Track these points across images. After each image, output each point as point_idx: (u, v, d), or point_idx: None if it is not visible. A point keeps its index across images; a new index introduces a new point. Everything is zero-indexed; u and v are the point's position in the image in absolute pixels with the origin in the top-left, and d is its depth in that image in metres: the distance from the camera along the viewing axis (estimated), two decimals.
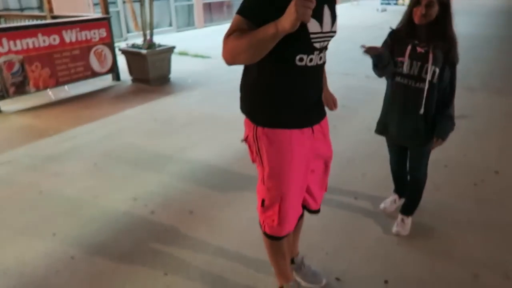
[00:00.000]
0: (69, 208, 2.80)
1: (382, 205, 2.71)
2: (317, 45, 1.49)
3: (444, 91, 2.14)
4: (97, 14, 6.77)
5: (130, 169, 3.35)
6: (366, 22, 12.74)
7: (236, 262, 2.26)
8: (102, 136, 4.04)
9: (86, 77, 5.51)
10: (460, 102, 2.19)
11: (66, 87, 5.45)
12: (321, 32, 1.48)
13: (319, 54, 1.53)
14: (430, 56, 2.05)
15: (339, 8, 13.33)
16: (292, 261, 2.10)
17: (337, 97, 2.02)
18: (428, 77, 2.08)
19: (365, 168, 3.29)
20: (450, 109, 2.17)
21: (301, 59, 1.49)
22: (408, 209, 2.49)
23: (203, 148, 3.74)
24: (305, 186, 1.74)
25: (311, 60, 1.51)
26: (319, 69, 1.61)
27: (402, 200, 2.61)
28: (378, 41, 2.31)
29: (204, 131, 4.13)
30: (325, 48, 1.57)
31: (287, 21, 1.21)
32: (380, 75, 2.18)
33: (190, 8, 11.72)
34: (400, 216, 2.50)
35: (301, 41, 1.45)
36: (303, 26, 1.39)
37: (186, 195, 2.95)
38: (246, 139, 1.69)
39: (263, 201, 1.69)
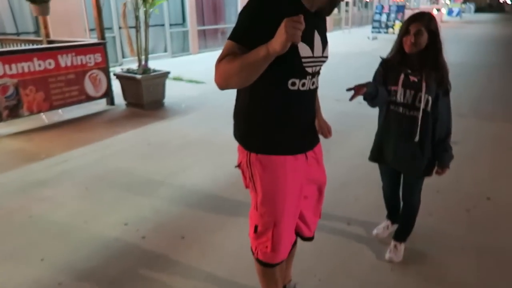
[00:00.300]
0: (59, 233, 2.75)
1: (375, 231, 2.70)
2: (309, 69, 1.52)
3: (439, 118, 2.16)
4: (93, 39, 6.85)
5: (122, 193, 3.32)
6: (358, 49, 13.02)
7: None
8: (94, 160, 4.02)
9: (80, 101, 5.53)
10: (452, 128, 2.22)
11: (60, 110, 5.45)
12: (313, 57, 1.51)
13: (311, 78, 1.55)
14: (423, 84, 2.09)
15: (331, 35, 13.63)
16: None
17: (330, 122, 2.04)
18: (422, 105, 2.11)
19: (358, 193, 3.29)
20: (449, 139, 2.21)
21: (293, 83, 1.51)
22: (401, 235, 2.48)
23: (196, 172, 3.73)
24: (298, 212, 1.74)
25: (303, 84, 1.53)
26: (312, 94, 1.63)
27: (395, 226, 2.60)
28: (369, 68, 2.37)
29: (198, 155, 4.13)
30: (318, 73, 1.59)
31: (277, 43, 1.24)
32: (372, 106, 2.21)
33: (185, 34, 11.92)
34: (393, 243, 2.49)
35: (293, 65, 1.47)
36: (295, 50, 1.42)
37: (178, 219, 2.92)
38: (239, 165, 1.69)
39: (256, 227, 1.68)
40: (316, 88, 1.64)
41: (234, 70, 1.35)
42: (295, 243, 1.91)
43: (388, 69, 2.24)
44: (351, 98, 1.97)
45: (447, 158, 2.22)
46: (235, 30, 1.42)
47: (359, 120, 5.11)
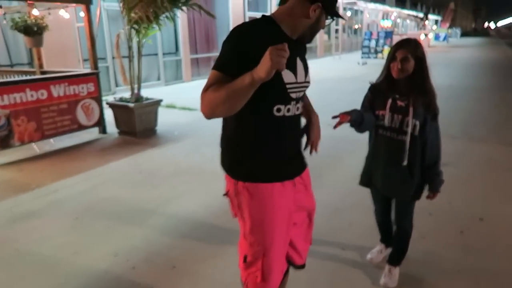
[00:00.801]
0: (47, 265, 2.69)
1: (369, 256, 2.67)
2: (293, 95, 1.55)
3: (428, 143, 2.16)
4: (86, 69, 6.91)
5: (112, 223, 3.27)
6: (349, 74, 13.24)
7: None
8: (85, 189, 3.98)
9: (72, 130, 5.52)
10: (443, 150, 2.23)
11: (51, 140, 5.43)
12: (296, 83, 1.54)
13: (296, 104, 1.58)
14: (410, 109, 2.12)
15: (322, 61, 13.94)
16: None
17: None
18: (409, 129, 2.13)
19: (352, 218, 3.27)
20: (438, 161, 2.21)
21: (278, 110, 1.53)
22: (395, 259, 2.44)
23: (188, 200, 3.69)
24: (288, 240, 1.71)
25: (288, 110, 1.55)
26: (297, 120, 1.65)
27: (389, 250, 2.57)
28: (361, 92, 2.39)
29: (190, 183, 4.10)
30: (301, 98, 1.62)
31: (262, 70, 1.27)
32: (359, 132, 2.23)
33: (178, 63, 12.08)
34: (387, 267, 2.46)
35: (278, 91, 1.50)
36: (279, 77, 1.45)
37: (169, 249, 2.87)
38: (227, 194, 1.68)
39: (245, 257, 1.66)
40: (300, 114, 1.66)
41: (220, 99, 1.37)
42: (287, 271, 1.88)
43: (377, 94, 2.27)
44: (335, 126, 2.00)
45: (438, 182, 2.23)
46: (219, 60, 1.45)
47: (352, 144, 5.12)
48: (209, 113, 1.42)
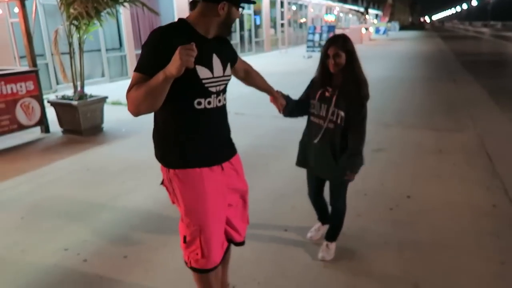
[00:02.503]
0: None
1: (309, 234, 2.91)
2: (212, 89, 1.72)
3: (353, 128, 2.40)
4: (24, 67, 6.64)
5: (60, 220, 3.27)
6: (295, 68, 13.63)
7: None
8: (30, 189, 3.91)
9: (12, 131, 5.32)
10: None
11: None
12: (213, 77, 1.71)
13: (217, 97, 1.75)
14: (333, 99, 2.36)
15: (269, 55, 14.27)
16: None
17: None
18: (333, 118, 2.36)
19: (294, 202, 3.51)
20: (358, 145, 2.39)
21: (199, 103, 1.70)
22: (331, 235, 2.70)
23: (137, 194, 3.76)
24: (224, 219, 1.89)
25: (209, 103, 1.73)
26: (221, 111, 1.83)
27: (326, 227, 2.83)
28: (305, 85, 2.60)
29: (139, 178, 4.15)
30: (223, 91, 1.80)
31: (173, 67, 1.44)
32: (286, 114, 2.48)
33: (122, 58, 11.83)
34: (324, 242, 2.71)
35: (195, 86, 1.67)
36: (194, 73, 1.62)
37: (120, 241, 2.95)
38: (162, 182, 1.85)
39: (184, 237, 1.82)
40: (224, 105, 1.83)
41: (141, 97, 1.53)
42: (228, 249, 2.05)
43: (314, 86, 2.50)
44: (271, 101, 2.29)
45: (356, 164, 2.39)
46: (139, 62, 1.61)
47: (296, 135, 5.33)
48: (134, 111, 1.58)
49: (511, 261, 2.63)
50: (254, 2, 1.97)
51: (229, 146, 1.94)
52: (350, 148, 2.39)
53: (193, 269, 1.87)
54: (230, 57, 1.87)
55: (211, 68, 1.70)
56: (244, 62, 2.16)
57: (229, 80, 1.84)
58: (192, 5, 1.74)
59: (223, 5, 1.67)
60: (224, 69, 1.78)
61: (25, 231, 3.11)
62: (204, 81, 1.68)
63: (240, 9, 1.78)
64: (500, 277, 2.49)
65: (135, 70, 1.60)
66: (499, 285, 2.43)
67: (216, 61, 1.73)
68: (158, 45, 1.59)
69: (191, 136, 1.74)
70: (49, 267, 2.63)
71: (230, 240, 2.02)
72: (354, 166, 2.39)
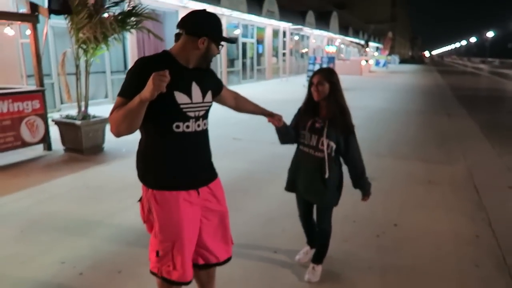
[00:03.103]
0: None
1: (297, 257, 3.03)
2: (191, 114, 1.88)
3: (353, 159, 2.60)
4: (30, 86, 6.87)
5: (58, 234, 3.39)
6: (294, 96, 13.82)
7: None
8: (30, 204, 4.04)
9: (16, 147, 5.49)
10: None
11: None
12: (191, 103, 1.88)
13: (195, 121, 1.90)
14: (325, 131, 2.54)
15: (270, 83, 14.58)
16: None
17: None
18: (324, 148, 2.54)
19: (284, 225, 3.63)
20: (361, 172, 2.63)
21: (177, 126, 1.86)
22: (317, 257, 2.83)
23: (134, 212, 3.85)
24: (195, 239, 1.99)
25: (187, 126, 1.88)
26: (200, 135, 1.96)
27: (313, 251, 2.95)
28: None
29: (136, 196, 4.24)
30: (203, 116, 1.94)
31: (146, 91, 1.62)
32: (281, 141, 2.65)
33: None
34: (311, 265, 2.83)
35: (173, 111, 1.83)
36: (171, 98, 1.79)
37: (115, 256, 3.06)
38: (140, 200, 2.01)
39: (157, 252, 1.95)
40: (204, 130, 1.96)
41: (120, 118, 1.70)
42: (207, 269, 2.15)
43: (302, 115, 2.68)
44: (269, 120, 2.43)
45: (368, 187, 2.66)
46: (122, 87, 1.80)
47: (288, 162, 5.55)
48: (115, 131, 1.75)
49: None
50: (233, 42, 2.16)
51: (208, 170, 2.06)
52: (360, 176, 2.60)
53: (165, 280, 1.97)
54: (211, 86, 2.02)
55: (189, 95, 1.86)
56: (231, 91, 2.33)
57: (209, 106, 1.99)
58: (176, 37, 1.92)
59: (203, 40, 1.85)
60: (204, 96, 1.93)
61: (24, 244, 3.23)
62: (182, 106, 1.84)
63: (220, 47, 1.94)
64: None
65: (118, 95, 1.78)
66: None
67: (195, 89, 1.89)
68: (140, 72, 1.76)
69: (169, 159, 1.88)
70: (47, 279, 2.74)
71: (206, 264, 2.11)
72: (366, 190, 2.63)
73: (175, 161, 1.90)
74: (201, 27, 1.87)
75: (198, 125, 1.92)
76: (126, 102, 1.71)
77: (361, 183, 2.65)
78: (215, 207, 2.06)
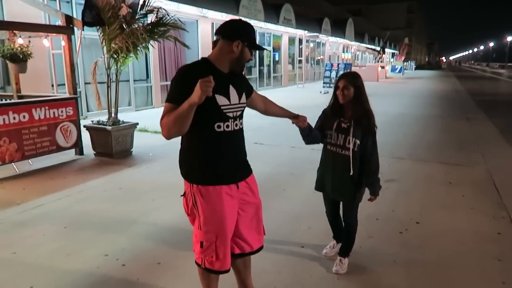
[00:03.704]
0: (43, 264, 3.03)
1: (324, 251, 3.19)
2: (230, 114, 2.09)
3: (366, 156, 2.75)
4: (61, 94, 7.21)
5: (99, 231, 3.63)
6: (311, 102, 14.05)
7: None
8: (69, 203, 4.31)
9: (51, 152, 5.80)
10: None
11: (29, 161, 5.69)
12: (230, 104, 2.09)
13: (234, 121, 2.11)
14: (351, 130, 2.71)
15: (286, 90, 14.82)
16: None
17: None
18: (351, 146, 2.71)
19: (310, 223, 3.80)
20: (375, 172, 2.78)
21: (219, 126, 2.07)
22: (344, 251, 2.98)
23: (166, 211, 4.11)
24: (233, 227, 2.18)
25: (227, 126, 2.09)
26: (238, 134, 2.17)
27: (340, 245, 3.11)
28: None
29: (167, 196, 4.51)
30: (239, 117, 2.15)
31: (194, 96, 1.82)
32: (306, 142, 2.81)
33: (148, 89, 12.51)
34: (338, 258, 2.99)
35: (215, 112, 2.04)
36: (214, 101, 1.99)
37: (153, 250, 3.28)
38: (184, 194, 2.20)
39: (201, 243, 2.14)
40: (240, 129, 2.17)
41: (171, 122, 1.92)
42: (243, 257, 2.34)
43: (327, 116, 2.87)
44: (293, 122, 2.61)
45: (377, 187, 2.81)
46: (169, 94, 2.01)
47: (311, 164, 5.69)
48: (167, 135, 1.97)
49: (511, 282, 2.86)
50: (264, 49, 2.36)
51: (245, 166, 2.27)
52: (372, 174, 2.75)
53: (207, 270, 2.17)
54: (245, 89, 2.22)
55: (228, 97, 2.07)
56: (260, 95, 2.54)
57: (244, 107, 2.20)
58: (214, 44, 2.13)
59: (238, 43, 2.05)
60: (240, 97, 2.14)
61: (69, 238, 3.48)
62: (222, 107, 2.04)
63: (253, 52, 2.14)
64: None
65: (166, 101, 1.99)
66: None
67: (232, 91, 2.10)
68: (184, 79, 1.97)
69: (211, 156, 2.08)
70: (92, 269, 2.97)
71: (241, 253, 2.29)
72: (376, 188, 2.78)
73: (217, 158, 2.10)
74: (235, 31, 2.08)
75: (236, 125, 2.13)
76: (174, 107, 1.93)
77: (372, 180, 2.77)
78: (251, 200, 2.26)
